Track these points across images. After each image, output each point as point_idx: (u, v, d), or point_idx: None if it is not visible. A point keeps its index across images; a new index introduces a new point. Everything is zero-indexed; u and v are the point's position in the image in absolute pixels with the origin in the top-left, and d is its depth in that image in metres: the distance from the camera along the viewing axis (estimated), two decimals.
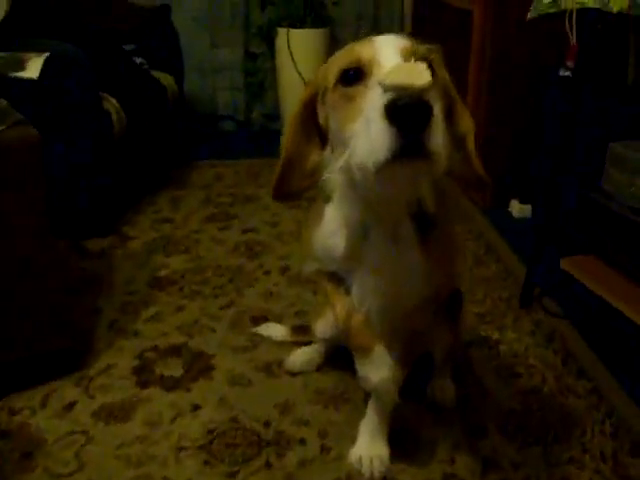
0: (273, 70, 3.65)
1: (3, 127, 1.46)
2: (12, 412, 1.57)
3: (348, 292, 1.25)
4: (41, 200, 1.49)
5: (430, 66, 0.96)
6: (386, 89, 0.84)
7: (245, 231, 2.55)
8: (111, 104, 2.38)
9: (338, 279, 1.27)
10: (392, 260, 1.16)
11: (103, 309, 2.00)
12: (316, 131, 1.09)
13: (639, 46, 1.85)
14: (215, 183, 3.06)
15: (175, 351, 1.80)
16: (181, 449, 1.46)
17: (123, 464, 1.41)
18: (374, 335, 1.24)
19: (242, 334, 1.88)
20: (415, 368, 1.58)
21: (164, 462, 1.42)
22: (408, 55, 0.93)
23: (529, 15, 1.78)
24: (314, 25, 3.38)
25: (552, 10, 1.70)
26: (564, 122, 1.79)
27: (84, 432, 1.51)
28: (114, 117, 2.37)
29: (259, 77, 3.75)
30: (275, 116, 3.80)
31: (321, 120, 1.08)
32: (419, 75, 0.83)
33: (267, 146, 3.63)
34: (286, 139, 1.11)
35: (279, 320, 1.94)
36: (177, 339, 1.85)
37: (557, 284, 2.07)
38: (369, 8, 3.65)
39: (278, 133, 3.73)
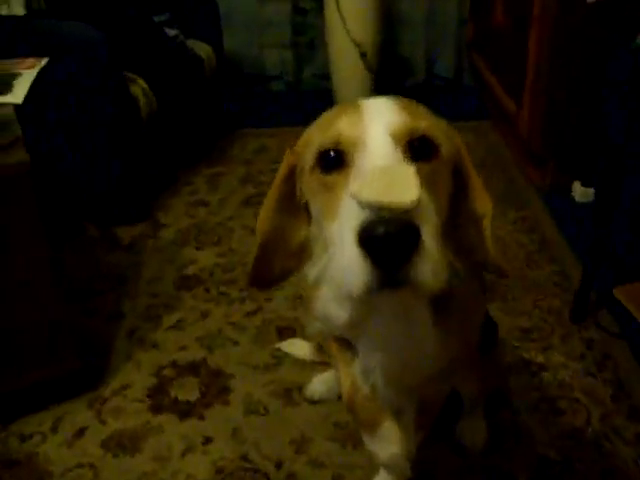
0: (322, 27, 3.41)
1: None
2: (22, 438, 1.54)
3: (353, 358, 1.11)
4: (35, 220, 1.39)
5: (433, 145, 0.79)
6: (364, 205, 0.67)
7: None
8: (138, 87, 2.25)
9: (345, 341, 1.13)
10: (400, 334, 1.00)
11: (125, 313, 1.93)
12: (298, 204, 0.93)
13: None
14: (257, 157, 2.91)
15: (193, 368, 1.72)
16: None
17: None
18: (381, 410, 1.10)
19: (265, 349, 1.77)
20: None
21: None
22: (401, 137, 0.76)
23: None
24: None
25: None
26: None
27: (91, 466, 1.46)
28: (141, 101, 2.25)
29: (309, 35, 3.52)
30: (326, 75, 3.58)
31: (301, 200, 0.91)
32: (403, 190, 0.66)
33: (318, 108, 3.42)
34: (263, 216, 0.93)
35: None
36: (197, 353, 1.77)
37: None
38: None
39: (330, 93, 3.53)
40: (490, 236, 0.85)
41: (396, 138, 0.75)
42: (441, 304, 0.99)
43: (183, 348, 1.79)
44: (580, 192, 2.45)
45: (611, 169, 1.69)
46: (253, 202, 2.52)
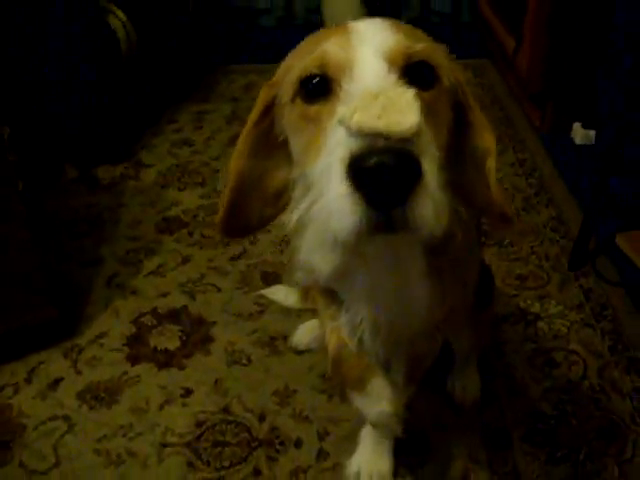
0: None
1: None
2: None
3: (339, 312, 1.02)
4: (15, 184, 1.30)
5: (433, 72, 0.69)
6: (354, 132, 0.58)
7: None
8: (117, 20, 2.10)
9: (331, 293, 1.04)
10: (392, 285, 0.91)
11: (104, 257, 1.85)
12: (277, 144, 0.82)
13: None
14: (244, 95, 2.79)
15: (174, 316, 1.65)
16: (165, 445, 1.33)
17: (102, 461, 1.31)
18: (368, 367, 1.03)
19: (249, 296, 1.70)
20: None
21: (145, 462, 1.30)
22: (397, 60, 0.66)
23: None
24: None
25: None
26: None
27: (66, 418, 1.40)
28: (120, 34, 2.11)
29: None
30: (319, 9, 3.41)
31: (279, 135, 0.81)
32: (401, 115, 0.56)
33: None
34: (237, 155, 0.83)
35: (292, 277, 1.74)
36: (178, 301, 1.69)
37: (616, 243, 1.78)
38: None
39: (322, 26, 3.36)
40: (494, 177, 0.75)
41: (391, 61, 0.65)
42: (437, 254, 0.90)
43: (164, 295, 1.72)
44: (581, 134, 2.34)
45: (615, 111, 1.58)
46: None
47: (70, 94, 2.09)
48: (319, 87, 0.68)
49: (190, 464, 1.29)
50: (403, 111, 0.56)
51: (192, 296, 1.71)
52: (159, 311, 1.66)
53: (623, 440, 1.30)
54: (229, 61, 3.09)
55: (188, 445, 1.33)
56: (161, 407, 1.41)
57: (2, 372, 1.51)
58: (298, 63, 0.72)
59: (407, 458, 1.28)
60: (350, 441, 1.30)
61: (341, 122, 0.58)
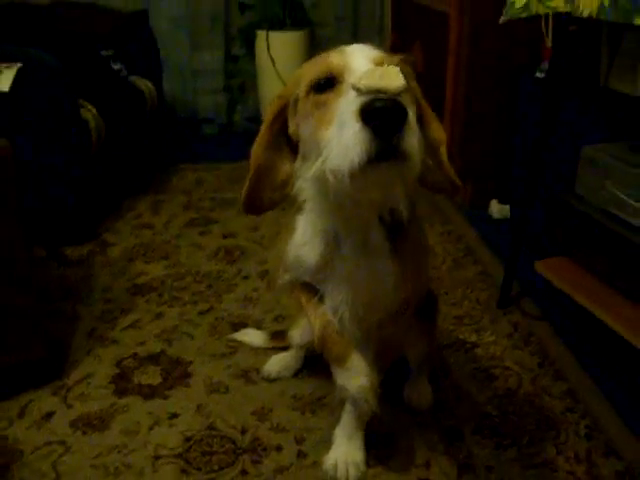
0: (254, 72, 3.64)
1: None
2: None
3: (322, 302, 1.26)
4: (13, 210, 1.49)
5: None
6: (360, 92, 0.84)
7: (225, 236, 2.54)
8: (89, 112, 2.37)
9: (312, 289, 1.28)
10: (364, 269, 1.17)
11: (82, 317, 2.00)
12: (286, 142, 1.10)
13: (610, 48, 1.86)
14: (196, 188, 3.05)
15: (153, 359, 1.80)
16: (158, 457, 1.46)
17: (100, 474, 1.42)
18: (349, 344, 1.25)
19: (221, 340, 1.88)
20: (390, 371, 1.59)
21: (141, 472, 1.42)
22: (379, 64, 0.94)
23: (501, 19, 1.78)
24: (293, 27, 3.38)
25: (523, 15, 1.71)
26: (538, 123, 1.81)
27: (61, 442, 1.51)
28: (92, 125, 2.36)
29: (240, 79, 3.74)
30: (257, 118, 3.79)
31: (291, 130, 1.08)
32: (393, 78, 0.84)
33: (249, 149, 3.61)
34: (256, 150, 1.10)
35: (258, 325, 1.94)
36: (155, 347, 1.85)
37: (535, 285, 2.09)
38: (348, 10, 3.65)
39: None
40: (446, 158, 1.03)
41: (375, 64, 0.94)
42: (398, 243, 1.17)
43: (142, 343, 1.87)
44: (497, 209, 2.70)
45: (525, 190, 1.91)
46: (197, 223, 2.65)
47: (43, 179, 2.29)
48: (327, 83, 0.95)
49: (183, 470, 1.42)
50: (393, 77, 0.84)
51: (168, 343, 1.87)
52: (139, 355, 1.81)
53: (557, 428, 1.53)
54: (177, 161, 3.36)
55: (179, 456, 1.46)
56: (150, 428, 1.55)
57: None
58: (308, 73, 1.00)
59: (376, 451, 1.46)
60: (325, 444, 1.47)
61: (353, 86, 0.85)
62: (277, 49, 3.34)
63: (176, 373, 1.74)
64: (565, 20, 1.79)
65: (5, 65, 1.52)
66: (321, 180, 0.97)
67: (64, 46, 2.43)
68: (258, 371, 1.74)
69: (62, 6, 2.98)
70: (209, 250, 2.43)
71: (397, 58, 0.96)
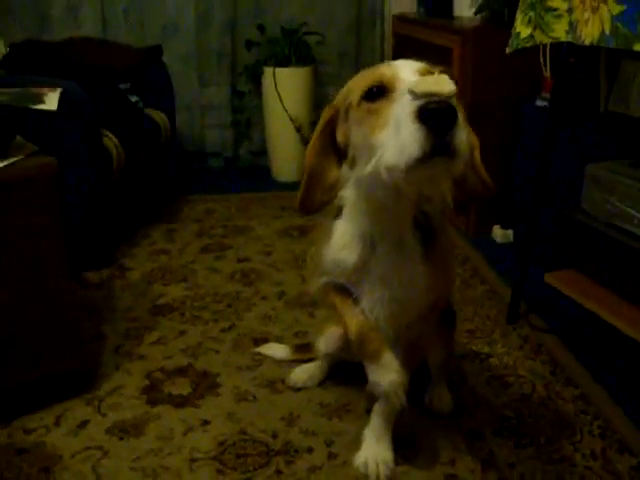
0: (260, 108, 3.77)
1: (21, 156, 1.55)
2: (26, 431, 1.63)
3: (355, 303, 1.35)
4: (59, 226, 1.57)
5: None
6: (417, 96, 0.95)
7: (240, 260, 2.63)
8: (111, 141, 2.47)
9: (346, 292, 1.37)
10: (398, 270, 1.27)
11: (107, 335, 2.07)
12: (333, 150, 1.21)
13: (608, 76, 2.00)
14: (207, 217, 3.15)
15: (181, 371, 1.87)
16: (194, 460, 1.53)
17: (139, 476, 1.48)
18: (383, 342, 1.33)
19: (245, 354, 1.96)
20: (413, 378, 1.67)
21: (178, 473, 1.49)
22: (424, 74, 1.05)
23: (508, 49, 1.92)
24: (299, 64, 3.52)
25: (529, 44, 1.85)
26: (541, 147, 1.93)
27: (99, 447, 1.57)
28: (114, 153, 2.46)
29: (246, 115, 3.87)
30: (262, 152, 3.91)
31: (340, 138, 1.19)
32: (445, 84, 0.95)
33: (255, 182, 3.74)
34: (309, 156, 1.22)
35: (279, 341, 2.02)
36: (182, 361, 1.92)
37: (542, 301, 2.19)
38: (351, 47, 3.81)
39: (265, 169, 3.85)
40: (480, 161, 1.14)
41: (420, 74, 1.05)
42: (429, 247, 1.27)
43: (168, 357, 1.94)
44: (500, 234, 2.81)
45: (529, 210, 2.02)
46: (211, 249, 2.74)
47: (67, 203, 2.37)
48: (379, 92, 1.06)
49: (219, 471, 1.49)
50: (445, 83, 0.95)
51: (194, 357, 1.94)
52: (167, 369, 1.89)
53: (572, 429, 1.62)
54: (187, 192, 3.47)
55: (214, 458, 1.53)
56: (184, 434, 1.62)
57: (31, 419, 1.67)
58: (358, 84, 1.11)
59: (402, 452, 1.53)
60: (354, 445, 1.54)
61: (410, 91, 0.96)
62: (283, 85, 3.48)
63: (205, 384, 1.81)
64: (565, 52, 1.93)
65: (48, 89, 1.62)
66: (372, 180, 1.07)
67: (84, 79, 2.53)
68: (283, 381, 1.82)
69: (77, 42, 3.11)
70: (225, 273, 2.51)
71: (440, 68, 1.07)
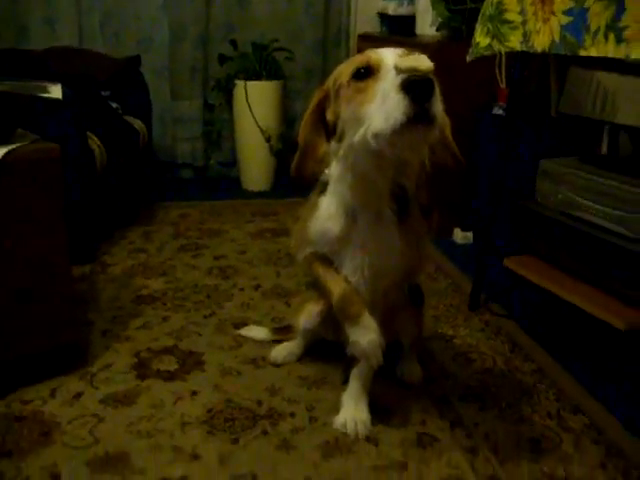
0: (230, 121, 3.93)
1: (26, 142, 1.67)
2: (24, 402, 1.72)
3: (337, 271, 1.50)
4: (61, 207, 1.69)
5: None
6: (400, 71, 1.12)
7: (216, 258, 2.76)
8: (94, 142, 2.59)
9: (328, 261, 1.52)
10: (377, 238, 1.43)
11: (94, 321, 2.17)
12: (323, 127, 1.37)
13: (558, 83, 2.21)
14: (182, 220, 3.26)
15: (168, 351, 1.99)
16: (185, 424, 1.64)
17: (135, 437, 1.59)
18: (363, 305, 1.48)
19: (227, 336, 2.08)
20: (387, 353, 1.82)
21: (171, 434, 1.60)
22: (405, 56, 1.22)
23: (468, 58, 2.11)
24: (269, 78, 3.69)
25: (487, 52, 2.04)
26: (498, 149, 2.12)
27: (94, 415, 1.67)
28: (96, 152, 2.58)
29: (217, 127, 4.02)
30: (231, 164, 4.06)
31: (329, 116, 1.35)
32: (424, 61, 1.12)
33: (225, 191, 3.88)
34: (302, 131, 1.39)
35: (258, 325, 2.14)
36: (168, 342, 2.04)
37: (500, 291, 2.37)
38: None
39: (235, 180, 3.99)
40: (451, 137, 1.31)
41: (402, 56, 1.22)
42: (404, 218, 1.43)
43: (155, 339, 2.05)
44: (461, 236, 3.00)
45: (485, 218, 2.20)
46: (188, 248, 2.86)
47: None
48: (366, 73, 1.23)
49: (210, 432, 1.61)
50: (424, 60, 1.12)
51: (179, 339, 2.06)
52: (153, 349, 1.99)
53: (530, 395, 1.78)
54: (160, 200, 3.58)
55: (205, 422, 1.64)
56: (174, 403, 1.73)
57: (27, 392, 1.76)
58: (347, 69, 1.27)
59: (377, 415, 1.68)
60: (333, 411, 1.67)
61: (395, 67, 1.12)
62: (254, 97, 3.63)
63: (191, 361, 1.93)
64: (519, 66, 2.13)
65: (49, 83, 1.74)
66: (358, 150, 1.23)
67: (67, 85, 2.65)
68: (264, 358, 1.94)
69: (58, 51, 3.23)
70: (203, 269, 2.64)
71: (417, 53, 1.24)
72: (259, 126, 3.67)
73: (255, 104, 3.66)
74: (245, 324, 2.15)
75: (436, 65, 2.87)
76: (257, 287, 2.47)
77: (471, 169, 2.86)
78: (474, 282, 2.28)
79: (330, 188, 1.44)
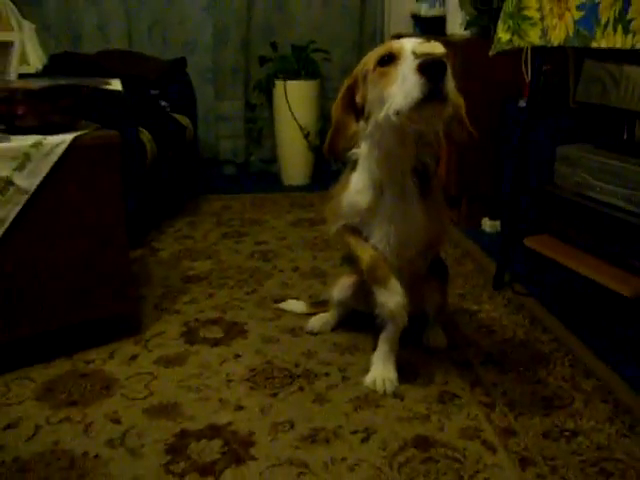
0: (270, 119, 4.14)
1: (89, 130, 1.88)
2: (87, 362, 1.93)
3: (366, 240, 1.68)
4: (120, 187, 1.90)
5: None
6: (417, 56, 1.29)
7: (257, 243, 2.96)
8: (145, 135, 2.81)
9: (358, 232, 1.70)
10: (401, 210, 1.60)
11: (147, 297, 2.38)
12: (353, 110, 1.55)
13: (575, 76, 2.35)
14: (224, 211, 3.48)
15: (213, 322, 2.18)
16: (230, 381, 1.83)
17: (185, 391, 1.78)
18: (390, 270, 1.66)
19: (267, 310, 2.27)
20: (414, 323, 1.98)
21: (218, 389, 1.79)
22: (422, 44, 1.39)
23: (491, 52, 2.26)
24: (307, 78, 3.89)
25: (508, 47, 2.19)
26: (518, 140, 2.27)
27: (149, 373, 1.87)
28: (147, 146, 2.80)
29: (258, 125, 4.23)
30: (272, 160, 4.27)
31: (358, 99, 1.54)
32: (438, 47, 1.30)
33: (266, 186, 4.08)
34: (335, 112, 1.59)
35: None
36: (213, 314, 2.23)
37: (523, 273, 2.51)
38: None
39: (275, 175, 4.20)
40: (465, 116, 1.48)
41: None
42: (425, 193, 1.60)
43: (201, 312, 2.25)
44: (489, 225, 3.15)
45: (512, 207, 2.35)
46: (230, 236, 3.06)
47: None
48: (389, 59, 1.41)
49: (252, 388, 1.79)
50: (438, 47, 1.29)
51: (224, 312, 2.25)
52: (200, 320, 2.19)
53: (547, 361, 1.92)
54: (203, 193, 3.80)
55: (247, 380, 1.83)
56: (220, 364, 1.92)
57: (89, 354, 1.97)
58: (372, 57, 1.46)
59: (404, 376, 1.84)
60: (364, 372, 1.84)
61: (412, 52, 1.30)
62: (293, 96, 3.84)
63: (234, 330, 2.12)
64: (539, 59, 2.27)
65: (109, 80, 1.96)
66: (383, 125, 1.41)
67: (121, 83, 2.88)
68: (302, 328, 2.12)
69: (111, 54, 3.48)
70: (245, 253, 2.84)
71: (434, 41, 1.41)
72: (298, 123, 3.87)
73: (294, 103, 3.86)
74: (284, 300, 2.33)
75: (465, 61, 3.05)
76: (295, 269, 2.66)
77: (498, 160, 3.00)
78: (498, 262, 2.43)
79: (359, 165, 1.62)
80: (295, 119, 3.85)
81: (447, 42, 3.11)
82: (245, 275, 2.58)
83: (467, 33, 3.22)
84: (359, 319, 2.08)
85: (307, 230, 3.15)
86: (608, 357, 1.94)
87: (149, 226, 3.11)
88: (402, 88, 1.32)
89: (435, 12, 3.79)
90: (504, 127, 2.90)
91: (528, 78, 2.78)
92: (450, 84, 1.30)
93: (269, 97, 4.05)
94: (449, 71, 1.29)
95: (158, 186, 3.10)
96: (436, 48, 1.29)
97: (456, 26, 3.38)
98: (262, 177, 4.31)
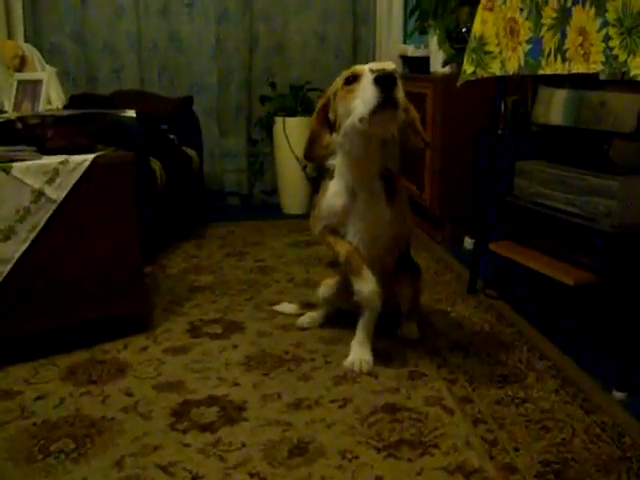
0: (271, 153, 4.48)
1: (107, 151, 2.20)
2: (104, 352, 2.21)
3: (343, 238, 1.97)
4: (134, 203, 2.20)
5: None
6: (373, 72, 1.61)
7: (257, 260, 3.25)
8: (156, 164, 3.13)
9: (336, 232, 2.00)
10: (371, 210, 1.91)
11: (156, 303, 2.66)
12: (327, 124, 1.86)
13: (532, 101, 2.67)
14: (228, 235, 3.78)
15: (215, 321, 2.46)
16: (228, 364, 2.10)
17: (189, 372, 2.05)
18: (364, 261, 1.94)
19: (263, 311, 2.55)
20: (388, 318, 2.25)
21: (218, 370, 2.06)
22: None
23: (458, 83, 2.58)
24: (304, 114, 4.23)
25: (472, 78, 2.50)
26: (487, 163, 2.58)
27: (158, 359, 2.15)
28: (157, 173, 3.12)
29: (259, 159, 4.57)
30: (273, 192, 4.60)
31: (331, 115, 1.85)
32: (389, 65, 1.63)
33: (267, 215, 4.38)
34: (311, 125, 1.92)
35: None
36: (215, 315, 2.52)
37: (494, 280, 2.79)
38: None
39: (276, 206, 4.51)
40: (420, 125, 1.79)
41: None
42: (391, 195, 1.90)
43: (204, 314, 2.54)
44: (470, 243, 3.43)
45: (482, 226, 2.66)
46: (233, 254, 3.36)
47: None
48: (353, 79, 1.72)
49: (247, 369, 2.06)
50: (390, 65, 1.61)
51: (225, 313, 2.54)
52: (204, 320, 2.48)
53: (508, 349, 2.19)
54: (209, 222, 4.11)
55: (243, 364, 2.11)
56: (220, 352, 2.19)
57: (105, 346, 2.25)
58: (341, 79, 1.77)
59: (379, 359, 2.11)
60: (345, 358, 2.11)
61: (370, 70, 1.61)
62: (291, 131, 4.17)
63: (233, 327, 2.40)
64: (501, 90, 2.59)
65: (125, 110, 2.29)
66: (349, 132, 1.72)
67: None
68: (292, 325, 2.40)
69: (124, 94, 3.84)
70: (246, 268, 3.13)
71: (392, 67, 1.72)
72: (296, 156, 4.19)
73: (292, 137, 4.19)
74: (278, 303, 2.61)
75: (446, 95, 3.36)
76: (290, 280, 2.94)
77: (477, 183, 3.30)
78: (470, 269, 2.71)
79: (335, 172, 1.93)
80: (293, 153, 4.18)
81: (431, 79, 3.51)
82: (245, 285, 2.87)
83: (447, 70, 3.56)
84: (343, 317, 2.35)
85: (303, 249, 3.44)
86: (561, 341, 2.20)
87: (158, 247, 3.41)
88: (362, 100, 1.63)
89: (420, 53, 4.15)
90: (478, 155, 3.20)
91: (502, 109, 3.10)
92: (400, 94, 1.61)
93: (269, 133, 4.39)
94: (399, 82, 1.61)
95: (167, 210, 3.41)
96: (388, 65, 1.61)
97: (438, 64, 3.72)
98: (264, 207, 4.62)
